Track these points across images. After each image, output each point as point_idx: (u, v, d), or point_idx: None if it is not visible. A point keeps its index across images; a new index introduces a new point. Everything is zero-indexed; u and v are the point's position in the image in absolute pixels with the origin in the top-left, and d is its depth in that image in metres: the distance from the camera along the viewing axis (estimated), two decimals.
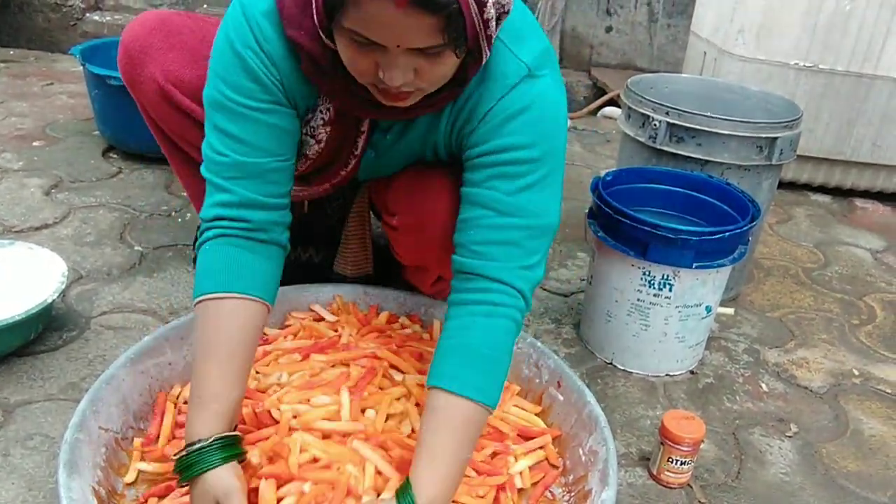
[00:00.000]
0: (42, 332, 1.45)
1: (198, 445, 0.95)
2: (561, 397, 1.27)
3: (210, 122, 1.07)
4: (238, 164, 1.04)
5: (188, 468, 0.94)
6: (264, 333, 1.34)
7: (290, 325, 1.39)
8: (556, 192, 1.09)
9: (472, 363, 1.02)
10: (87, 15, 3.48)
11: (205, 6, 3.55)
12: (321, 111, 1.12)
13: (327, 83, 1.04)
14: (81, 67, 2.21)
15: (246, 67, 1.02)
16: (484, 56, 0.95)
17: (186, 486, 0.96)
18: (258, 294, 1.04)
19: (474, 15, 0.85)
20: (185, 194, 2.11)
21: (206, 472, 0.93)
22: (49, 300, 1.38)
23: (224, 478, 0.93)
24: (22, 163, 2.23)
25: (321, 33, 0.95)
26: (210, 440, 0.95)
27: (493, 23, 0.90)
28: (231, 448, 0.97)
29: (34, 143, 2.38)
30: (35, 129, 2.50)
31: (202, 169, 1.09)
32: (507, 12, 0.92)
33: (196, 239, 1.48)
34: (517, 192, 1.04)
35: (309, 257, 1.61)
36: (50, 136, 2.45)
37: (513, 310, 1.05)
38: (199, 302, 1.03)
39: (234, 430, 1.01)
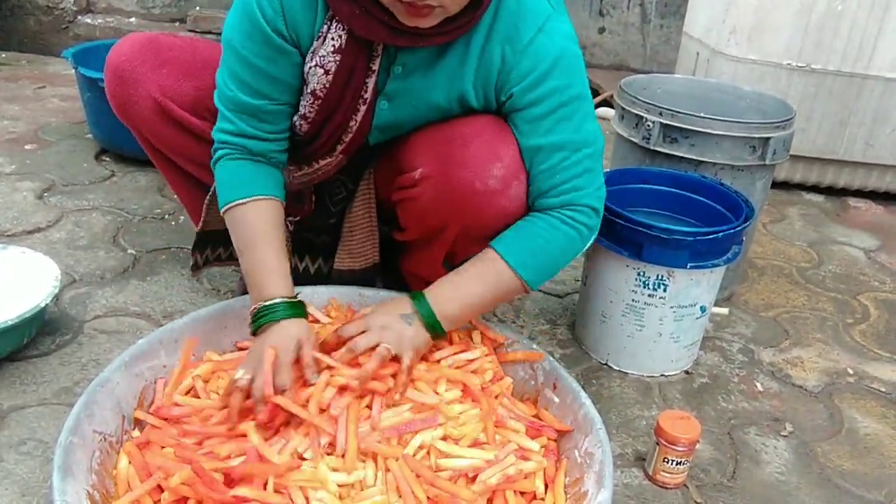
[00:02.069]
0: (35, 336, 1.45)
1: (277, 300, 1.12)
2: (556, 399, 1.27)
3: (224, 58, 1.19)
4: (239, 102, 1.19)
5: (267, 316, 1.11)
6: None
7: None
8: (595, 118, 1.23)
9: (528, 243, 1.19)
10: (79, 18, 3.47)
11: (197, 8, 3.54)
12: (332, 38, 1.15)
13: (347, 6, 1.09)
14: (73, 70, 2.20)
15: (251, 16, 1.12)
16: None
17: (259, 333, 1.12)
18: (270, 193, 1.22)
19: None
20: (177, 197, 2.11)
21: (287, 318, 1.11)
22: (42, 304, 1.37)
23: (303, 326, 1.12)
24: (14, 166, 2.22)
25: None
26: (284, 297, 1.13)
27: None
28: (302, 308, 1.16)
29: (26, 147, 2.37)
30: (27, 132, 2.49)
31: (214, 94, 1.22)
32: None
33: (195, 243, 1.48)
34: (581, 127, 1.17)
35: (305, 268, 1.60)
36: (42, 140, 2.44)
37: (584, 226, 1.20)
38: (230, 209, 1.20)
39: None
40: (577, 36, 1.19)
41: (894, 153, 2.55)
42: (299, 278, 1.56)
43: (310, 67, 1.18)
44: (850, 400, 1.57)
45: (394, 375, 1.13)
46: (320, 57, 1.16)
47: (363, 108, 1.22)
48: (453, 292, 1.19)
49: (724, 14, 2.44)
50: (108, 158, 2.33)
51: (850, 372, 1.67)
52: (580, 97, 1.17)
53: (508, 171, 1.18)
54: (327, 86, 1.18)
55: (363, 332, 1.15)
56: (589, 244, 1.24)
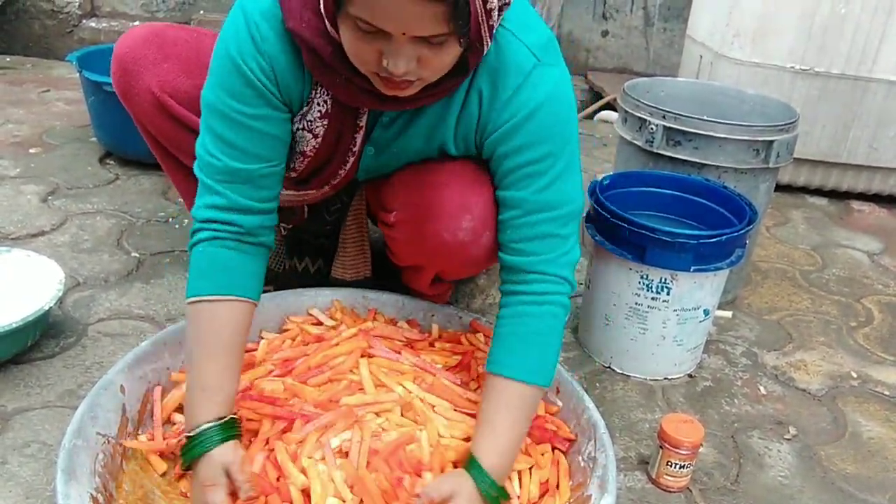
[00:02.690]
0: (39, 339, 1.45)
1: (203, 427, 1.02)
2: (560, 403, 1.27)
3: (205, 124, 1.09)
4: (230, 170, 1.08)
5: (192, 450, 1.01)
6: (261, 337, 1.35)
7: (288, 330, 1.38)
8: (578, 176, 1.14)
9: (525, 350, 1.12)
10: (84, 21, 3.49)
11: (201, 12, 3.55)
12: (318, 104, 1.12)
13: (328, 75, 1.05)
14: (78, 74, 2.21)
15: (242, 74, 1.04)
16: (485, 47, 0.97)
17: (189, 470, 1.04)
18: (248, 295, 1.10)
19: (478, 4, 0.88)
20: (181, 200, 2.11)
21: (210, 450, 1.00)
22: (46, 307, 1.38)
23: (228, 451, 1.01)
24: (19, 170, 2.22)
25: (326, 22, 0.96)
26: (212, 422, 1.02)
27: (496, 13, 0.92)
28: (232, 428, 1.04)
29: (31, 150, 2.38)
30: (32, 135, 2.50)
31: (195, 167, 1.12)
32: (508, 4, 0.95)
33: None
34: (545, 189, 1.10)
35: (305, 268, 1.61)
36: (46, 143, 2.44)
37: (559, 296, 1.14)
38: (194, 302, 1.08)
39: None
40: (576, 40, 1.18)
41: None
42: (299, 278, 1.57)
43: (297, 130, 1.16)
44: (853, 403, 1.57)
45: None
46: (308, 122, 1.14)
47: (352, 160, 1.22)
48: (508, 453, 1.08)
49: (728, 17, 2.44)
50: (112, 162, 2.34)
51: (854, 375, 1.66)
52: (553, 154, 1.10)
53: (478, 221, 1.17)
54: (316, 147, 1.18)
55: None
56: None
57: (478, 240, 1.19)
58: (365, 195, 1.44)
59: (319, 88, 1.11)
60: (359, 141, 1.19)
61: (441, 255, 1.21)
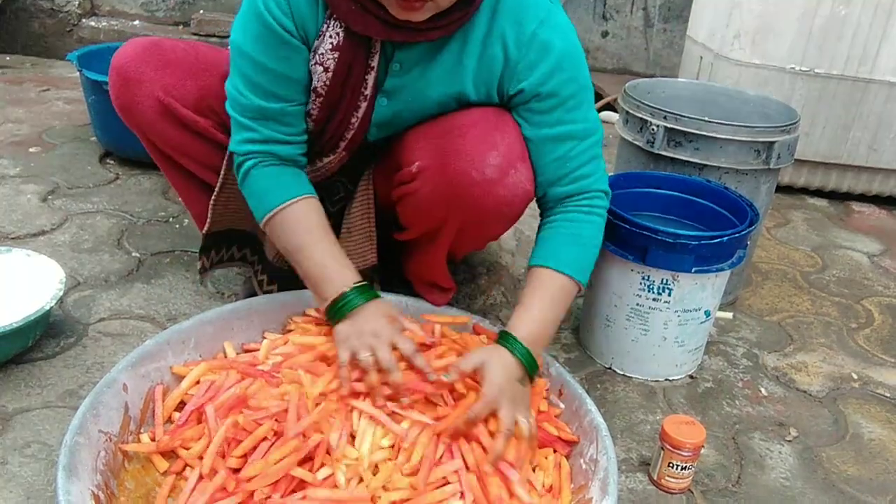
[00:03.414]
0: (40, 339, 1.45)
1: (359, 285, 1.17)
2: (562, 405, 1.27)
3: (234, 63, 1.19)
4: (257, 108, 1.19)
5: (352, 301, 1.15)
6: (264, 337, 1.34)
7: (291, 330, 1.38)
8: (594, 104, 1.27)
9: (569, 247, 1.23)
10: (84, 21, 3.48)
11: (201, 11, 3.54)
12: (330, 36, 1.16)
13: (344, 2, 1.10)
14: (78, 73, 2.21)
15: (262, 20, 1.13)
16: None
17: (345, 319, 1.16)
18: (310, 192, 1.25)
19: None
20: (181, 201, 2.11)
21: (371, 300, 1.16)
22: (47, 307, 1.38)
23: (390, 302, 1.20)
24: (18, 169, 2.22)
25: None
26: (361, 282, 1.18)
27: None
28: (374, 292, 1.19)
29: (31, 150, 2.37)
30: (31, 135, 2.50)
31: (227, 106, 1.22)
32: None
33: (203, 246, 1.48)
34: (586, 117, 1.22)
35: None
36: (46, 143, 2.44)
37: (601, 209, 1.26)
38: (273, 215, 1.21)
39: None
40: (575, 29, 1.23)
41: None
42: (298, 279, 1.56)
43: (312, 66, 1.20)
44: (854, 405, 1.57)
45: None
46: (320, 55, 1.18)
47: (364, 105, 1.24)
48: (541, 329, 1.20)
49: (728, 18, 2.44)
50: (112, 161, 2.34)
51: (855, 377, 1.67)
52: (585, 87, 1.22)
53: (505, 159, 1.18)
54: (328, 83, 1.20)
55: (494, 410, 1.09)
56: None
57: (504, 178, 1.19)
58: (373, 177, 1.43)
59: (332, 21, 1.15)
60: (370, 83, 1.21)
61: (468, 197, 1.21)
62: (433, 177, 1.23)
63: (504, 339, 1.16)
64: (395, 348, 1.12)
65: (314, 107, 1.24)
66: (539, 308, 1.19)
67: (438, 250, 1.41)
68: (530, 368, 1.15)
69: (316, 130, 1.28)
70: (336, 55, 1.17)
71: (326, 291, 1.18)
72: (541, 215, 1.30)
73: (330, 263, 1.19)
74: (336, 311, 1.17)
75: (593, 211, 1.25)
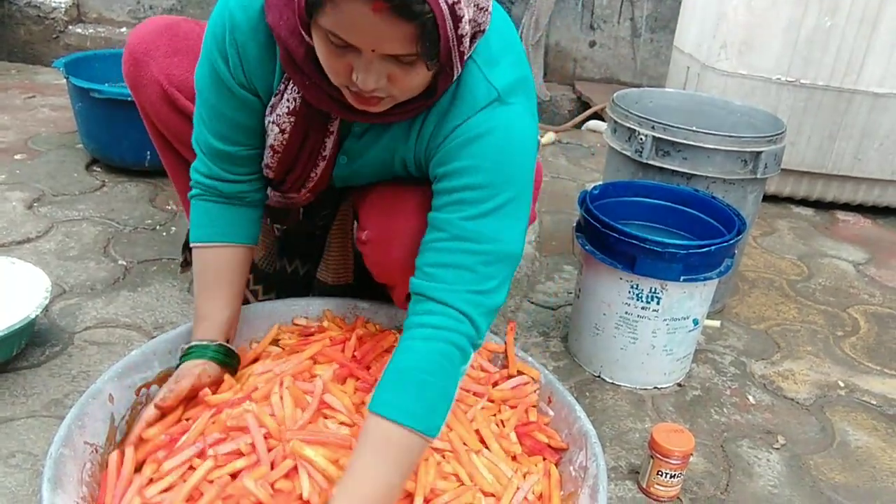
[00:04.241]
0: (25, 348, 1.43)
1: (194, 343, 1.20)
2: (552, 412, 1.27)
3: (196, 104, 1.18)
4: (212, 147, 1.18)
5: (185, 357, 1.19)
6: (256, 341, 1.34)
7: (280, 340, 1.37)
8: (517, 221, 1.06)
9: (405, 388, 0.99)
10: (70, 27, 3.46)
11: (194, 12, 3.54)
12: (287, 99, 1.11)
13: (299, 75, 1.05)
14: (64, 80, 2.19)
15: (214, 65, 1.10)
16: (455, 72, 0.96)
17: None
18: (235, 240, 1.24)
19: (449, 29, 0.87)
20: (168, 208, 2.10)
21: (195, 359, 1.17)
22: (32, 315, 1.36)
23: (200, 365, 1.17)
24: (4, 176, 2.20)
25: (300, 28, 0.96)
26: (192, 343, 1.20)
27: (468, 40, 0.91)
28: (206, 350, 1.19)
29: (16, 157, 2.35)
30: (17, 142, 2.48)
31: (192, 136, 1.22)
32: (483, 31, 0.94)
33: (186, 241, 1.49)
34: (473, 218, 1.02)
35: (294, 269, 1.60)
36: (32, 150, 2.42)
37: (456, 334, 1.01)
38: (194, 248, 1.24)
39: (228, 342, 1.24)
40: (562, 51, 1.16)
41: (882, 167, 2.57)
42: (287, 280, 1.56)
43: (268, 122, 1.15)
44: (841, 412, 1.58)
45: None
46: (277, 115, 1.13)
47: (322, 164, 1.21)
48: (353, 491, 0.94)
49: (715, 29, 2.46)
50: (98, 168, 2.32)
51: (841, 385, 1.68)
52: (491, 187, 1.02)
53: None
54: (284, 143, 1.17)
55: None
56: (465, 366, 1.05)
57: None
58: (352, 202, 1.44)
59: (290, 84, 1.10)
60: (329, 146, 1.18)
61: (406, 279, 1.12)
62: (377, 252, 1.24)
63: None
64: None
65: (272, 161, 1.20)
66: (362, 471, 0.95)
67: (397, 296, 1.39)
68: None
69: (277, 178, 1.25)
70: (292, 119, 1.13)
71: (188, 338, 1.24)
72: None
73: (201, 315, 1.23)
74: (179, 359, 1.21)
75: (439, 336, 1.00)
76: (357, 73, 0.91)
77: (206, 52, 1.11)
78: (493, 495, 1.10)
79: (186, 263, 1.53)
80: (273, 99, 1.13)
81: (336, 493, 0.94)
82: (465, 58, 0.95)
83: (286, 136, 1.16)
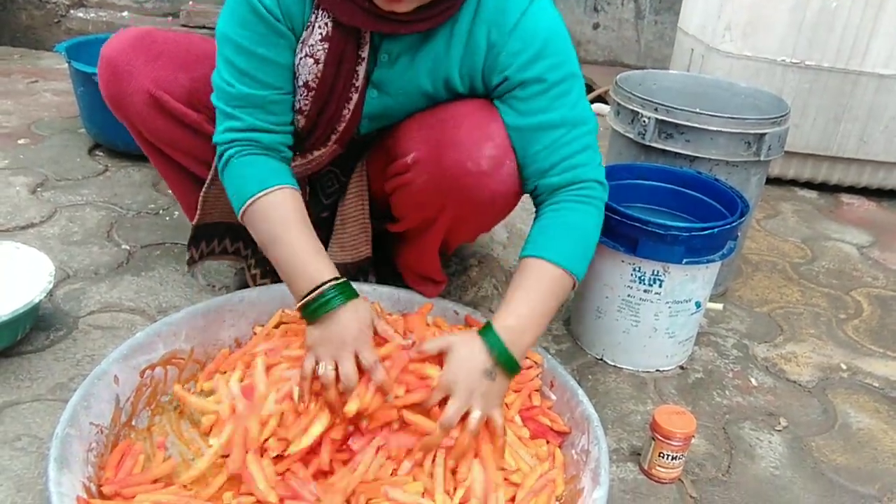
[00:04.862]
0: (29, 332, 1.44)
1: (334, 283, 1.09)
2: (554, 396, 1.28)
3: (220, 53, 1.17)
4: (243, 95, 1.16)
5: (330, 301, 1.07)
6: (254, 332, 1.34)
7: (284, 323, 1.37)
8: (586, 97, 1.22)
9: (562, 236, 1.16)
10: (72, 12, 3.45)
11: (190, 3, 3.52)
12: (319, 27, 1.15)
13: None
14: (66, 65, 2.19)
15: (250, 4, 1.12)
16: None
17: (320, 321, 1.09)
18: (290, 183, 1.19)
19: None
20: (171, 192, 2.10)
21: (350, 300, 1.09)
22: (36, 300, 1.37)
23: (366, 305, 1.11)
24: (7, 161, 2.21)
25: None
26: (338, 279, 1.10)
27: None
28: (353, 288, 1.12)
29: (19, 142, 2.36)
30: (20, 127, 2.48)
31: (213, 97, 1.19)
32: None
33: (191, 237, 1.47)
34: (576, 105, 1.18)
35: None
36: (35, 135, 2.42)
37: (598, 200, 1.20)
38: (251, 203, 1.15)
39: None
40: (568, 31, 1.19)
41: (887, 149, 2.56)
42: None
43: (300, 59, 1.18)
44: (843, 395, 1.58)
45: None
46: (309, 46, 1.17)
47: (355, 97, 1.23)
48: (527, 322, 1.11)
49: (719, 10, 2.44)
50: (101, 153, 2.32)
51: (844, 367, 1.68)
52: (573, 75, 1.18)
53: (500, 150, 1.18)
54: (318, 75, 1.19)
55: (448, 397, 1.06)
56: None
57: (500, 168, 1.18)
58: (366, 168, 1.43)
59: (320, 12, 1.14)
60: (361, 74, 1.20)
61: (463, 187, 1.20)
62: (428, 167, 1.22)
63: (483, 328, 1.11)
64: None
65: (305, 102, 1.22)
66: (526, 301, 1.12)
67: (431, 242, 1.41)
68: (505, 362, 1.07)
69: (306, 126, 1.26)
70: (326, 45, 1.16)
71: (300, 287, 1.11)
72: (535, 208, 1.24)
73: (305, 257, 1.12)
74: (310, 312, 1.09)
75: (589, 201, 1.19)
76: None
77: None
78: (515, 485, 1.11)
79: (192, 260, 1.52)
80: (304, 33, 1.16)
81: (496, 314, 1.11)
82: None
83: (320, 66, 1.18)
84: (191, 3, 3.53)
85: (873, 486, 1.34)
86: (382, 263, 1.55)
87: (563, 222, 1.18)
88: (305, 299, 1.09)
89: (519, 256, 1.18)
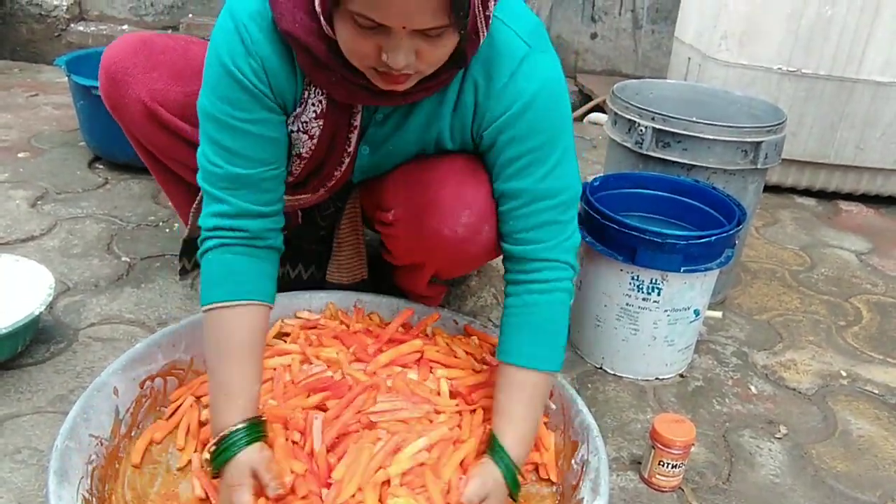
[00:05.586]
0: (29, 344, 1.44)
1: (228, 431, 1.01)
2: (553, 406, 1.28)
3: (204, 133, 1.09)
4: (232, 176, 1.08)
5: (220, 455, 1.01)
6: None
7: (286, 333, 1.38)
8: (574, 162, 1.16)
9: (536, 339, 1.14)
10: (72, 25, 3.47)
11: (190, 15, 3.54)
12: (312, 104, 1.12)
13: (323, 74, 1.05)
14: (66, 78, 2.20)
15: (234, 78, 1.05)
16: (481, 36, 0.99)
17: (217, 477, 1.03)
18: (261, 299, 1.11)
19: None
20: (171, 204, 2.11)
21: (237, 453, 1.00)
22: (36, 312, 1.37)
23: (255, 452, 1.01)
24: (7, 174, 2.21)
25: (321, 20, 0.97)
26: (237, 426, 1.02)
27: (491, 2, 0.95)
28: (257, 430, 1.04)
29: (19, 155, 2.37)
30: (20, 140, 2.49)
31: (198, 178, 1.12)
32: None
33: (182, 249, 1.48)
34: (544, 178, 1.12)
35: (298, 275, 1.61)
36: (35, 148, 2.43)
37: (563, 282, 1.15)
38: (209, 310, 1.08)
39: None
40: (566, 42, 1.19)
41: (885, 156, 2.56)
42: (293, 285, 1.57)
43: (292, 132, 1.15)
44: (843, 402, 1.58)
45: None
46: (303, 123, 1.14)
47: (347, 160, 1.23)
48: (525, 436, 1.12)
49: (716, 20, 2.46)
50: (101, 166, 2.33)
51: (844, 374, 1.68)
52: (550, 142, 1.11)
53: (476, 217, 1.18)
54: (312, 149, 1.18)
55: None
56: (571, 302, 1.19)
57: (477, 235, 1.19)
58: (360, 197, 1.44)
59: (313, 89, 1.11)
60: (353, 140, 1.19)
61: (440, 252, 1.22)
62: (408, 229, 1.25)
63: (497, 456, 1.08)
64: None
65: (297, 168, 1.21)
66: (520, 415, 1.12)
67: (422, 277, 1.43)
68: (513, 486, 1.07)
69: (296, 182, 1.26)
70: (321, 123, 1.14)
71: (213, 426, 1.05)
72: (504, 276, 1.21)
73: (229, 391, 1.05)
74: (214, 460, 1.02)
75: (552, 290, 1.14)
76: (386, 52, 0.92)
77: (222, 71, 1.04)
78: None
79: (185, 270, 1.52)
80: (297, 109, 1.13)
81: (502, 433, 1.10)
82: (489, 21, 0.98)
83: (315, 141, 1.16)
84: (190, 15, 3.55)
85: (874, 494, 1.33)
86: (381, 280, 1.56)
87: (530, 322, 1.15)
88: (214, 443, 1.03)
89: (498, 358, 1.16)
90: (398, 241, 1.31)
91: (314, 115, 1.13)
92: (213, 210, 1.10)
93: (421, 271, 1.40)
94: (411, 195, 1.23)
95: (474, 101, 1.12)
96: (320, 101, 1.12)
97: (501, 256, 1.21)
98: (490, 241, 1.20)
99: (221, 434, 1.02)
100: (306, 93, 1.11)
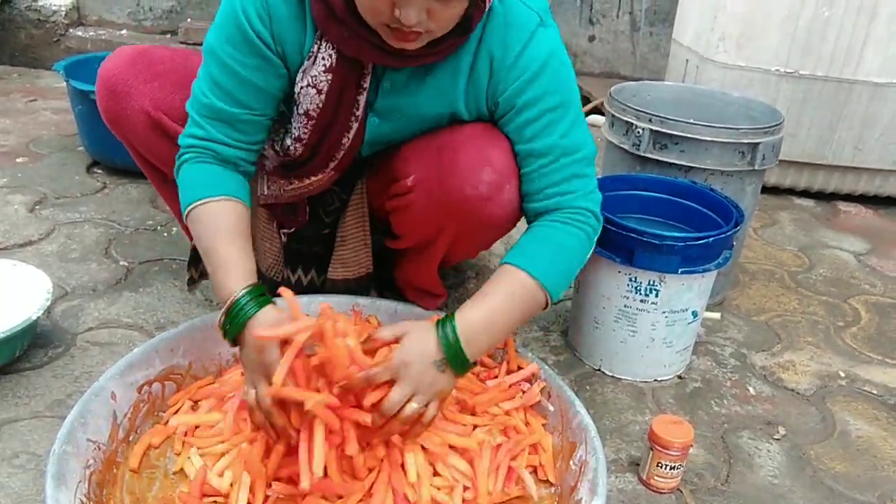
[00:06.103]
0: (27, 349, 1.45)
1: (237, 295, 1.05)
2: (552, 407, 1.28)
3: (203, 66, 1.17)
4: (214, 108, 1.16)
5: (234, 321, 1.04)
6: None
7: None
8: (585, 124, 1.23)
9: (542, 249, 1.16)
10: (71, 30, 3.47)
11: (188, 20, 3.54)
12: (322, 58, 1.15)
13: (336, 27, 1.09)
14: (65, 83, 2.21)
15: (238, 22, 1.11)
16: (487, 2, 1.05)
17: (236, 345, 1.07)
18: (238, 196, 1.16)
19: None
20: (169, 208, 2.11)
21: (252, 315, 1.03)
22: (34, 317, 1.37)
23: (271, 311, 1.04)
24: (5, 179, 2.22)
25: None
26: (244, 290, 1.05)
27: None
28: (263, 292, 1.07)
29: (17, 160, 2.37)
30: (18, 145, 2.49)
31: (187, 103, 1.19)
32: None
33: (191, 258, 1.48)
34: (566, 133, 1.18)
35: (298, 279, 1.61)
36: (34, 153, 2.44)
37: (587, 227, 1.20)
38: (192, 209, 1.14)
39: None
40: (564, 43, 1.21)
41: (883, 157, 2.56)
42: (293, 290, 1.56)
43: (301, 88, 1.18)
44: (842, 403, 1.58)
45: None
46: (312, 77, 1.17)
47: (355, 126, 1.24)
48: (487, 320, 1.09)
49: (713, 21, 2.46)
50: (99, 170, 2.33)
51: (842, 375, 1.68)
52: (565, 104, 1.18)
53: (499, 175, 1.19)
54: (320, 105, 1.19)
55: (394, 379, 1.02)
56: (589, 253, 1.24)
57: (499, 193, 1.20)
58: (367, 185, 1.44)
59: (324, 43, 1.14)
60: (362, 103, 1.21)
61: (462, 214, 1.22)
62: (428, 191, 1.24)
63: (442, 319, 1.08)
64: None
65: (305, 130, 1.23)
66: (492, 304, 1.10)
67: (431, 259, 1.42)
68: (454, 357, 1.05)
69: (305, 154, 1.27)
70: (329, 77, 1.17)
71: (219, 295, 1.09)
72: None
73: (228, 266, 1.09)
74: (227, 329, 1.06)
75: (579, 226, 1.19)
76: (399, 8, 0.96)
77: (230, 10, 1.11)
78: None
79: (192, 280, 1.52)
80: (306, 63, 1.16)
81: (462, 308, 1.09)
82: None
83: (322, 96, 1.18)
84: (189, 20, 3.55)
85: (873, 494, 1.33)
86: (382, 278, 1.56)
87: (548, 238, 1.18)
88: (223, 312, 1.06)
89: (500, 262, 1.18)
90: (416, 208, 1.28)
91: (323, 68, 1.16)
92: (190, 132, 1.18)
93: (432, 250, 1.37)
94: (431, 157, 1.23)
95: (489, 69, 1.16)
96: (330, 55, 1.15)
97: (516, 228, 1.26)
98: (511, 202, 1.21)
99: (228, 302, 1.05)
100: (317, 46, 1.15)
